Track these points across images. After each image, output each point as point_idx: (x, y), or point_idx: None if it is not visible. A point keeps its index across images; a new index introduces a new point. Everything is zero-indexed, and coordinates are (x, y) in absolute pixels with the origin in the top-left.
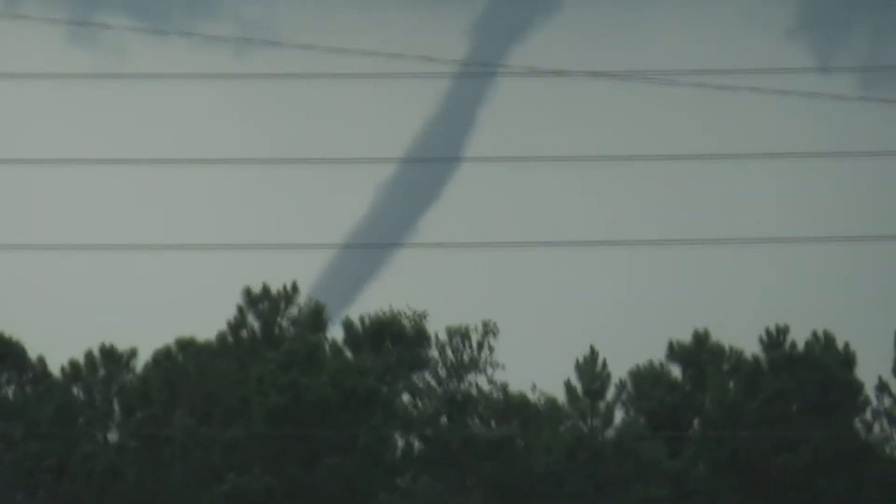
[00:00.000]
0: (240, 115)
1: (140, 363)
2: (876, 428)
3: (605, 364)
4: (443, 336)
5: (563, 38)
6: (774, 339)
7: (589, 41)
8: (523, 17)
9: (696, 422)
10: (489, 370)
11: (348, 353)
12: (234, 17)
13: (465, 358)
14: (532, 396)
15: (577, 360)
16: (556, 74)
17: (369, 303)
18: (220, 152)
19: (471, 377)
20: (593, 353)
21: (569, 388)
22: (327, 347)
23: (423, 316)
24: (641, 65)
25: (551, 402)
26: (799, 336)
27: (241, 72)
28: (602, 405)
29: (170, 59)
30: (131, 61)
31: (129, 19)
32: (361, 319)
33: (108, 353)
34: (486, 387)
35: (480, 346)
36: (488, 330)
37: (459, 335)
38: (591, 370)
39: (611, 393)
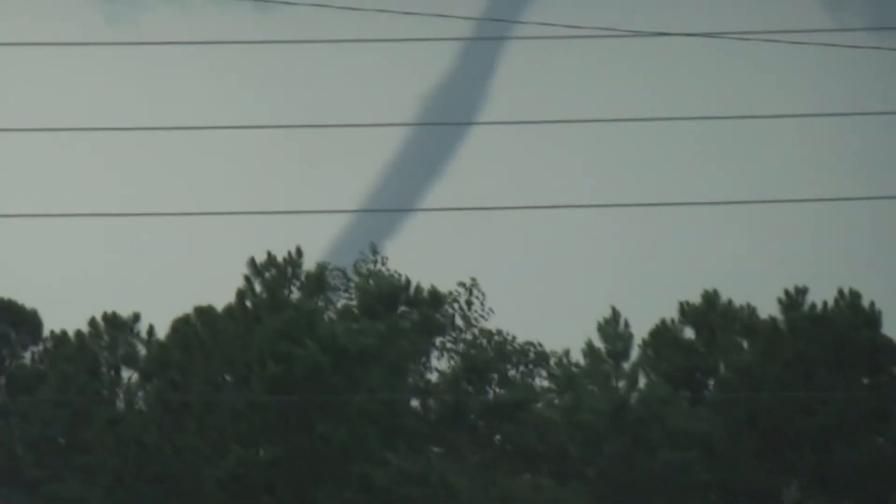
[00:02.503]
0: (252, 79)
1: (143, 329)
2: None
3: (627, 325)
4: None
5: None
6: (794, 300)
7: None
8: None
9: (711, 384)
10: (479, 323)
11: (361, 318)
12: None
13: (464, 318)
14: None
15: (599, 322)
16: (570, 28)
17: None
18: (229, 117)
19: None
20: (615, 314)
21: (591, 348)
22: (331, 311)
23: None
24: (653, 22)
25: (589, 362)
26: (819, 296)
27: (256, 33)
28: (626, 367)
29: (183, 14)
30: (143, 16)
31: None
32: (374, 283)
33: (112, 320)
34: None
35: (469, 304)
36: (469, 288)
37: (438, 298)
38: (613, 331)
39: (635, 354)
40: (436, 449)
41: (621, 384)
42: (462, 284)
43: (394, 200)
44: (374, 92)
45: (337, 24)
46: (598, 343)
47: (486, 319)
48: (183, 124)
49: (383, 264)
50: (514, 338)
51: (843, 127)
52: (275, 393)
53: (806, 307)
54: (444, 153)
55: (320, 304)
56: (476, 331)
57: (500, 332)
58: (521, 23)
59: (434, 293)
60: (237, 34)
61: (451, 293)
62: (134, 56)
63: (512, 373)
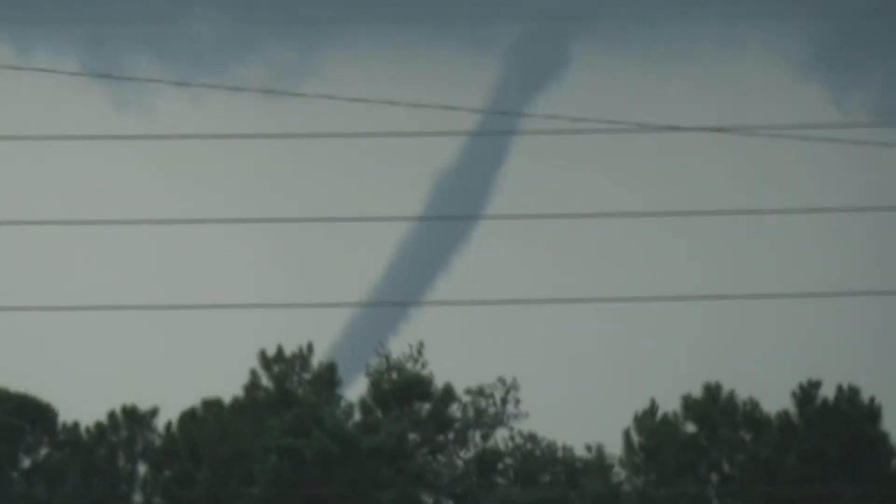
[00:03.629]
0: (256, 172)
1: (161, 422)
2: None
3: (665, 420)
4: (465, 396)
5: (580, 92)
6: (807, 394)
7: (605, 94)
8: (542, 72)
9: (714, 477)
10: (513, 425)
11: (377, 412)
12: (265, 61)
13: (490, 414)
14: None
15: (636, 413)
16: (578, 121)
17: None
18: (237, 210)
19: (498, 433)
20: (653, 407)
21: (627, 440)
22: (343, 405)
23: (420, 348)
24: (656, 115)
25: (598, 457)
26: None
27: (265, 122)
28: (658, 462)
29: (192, 101)
30: (152, 102)
31: (151, 59)
32: (388, 377)
33: (131, 414)
34: (515, 442)
35: (504, 401)
36: (508, 387)
37: (482, 394)
38: (650, 424)
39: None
40: None
41: (650, 477)
42: (501, 381)
43: (400, 293)
44: (382, 183)
45: (344, 115)
46: (634, 435)
47: (519, 418)
48: (191, 215)
49: (422, 363)
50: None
51: (849, 222)
52: (281, 487)
53: (819, 401)
54: (450, 246)
55: (334, 396)
56: (508, 430)
57: (529, 435)
58: (528, 115)
59: (448, 389)
60: (246, 123)
61: (482, 388)
62: (143, 144)
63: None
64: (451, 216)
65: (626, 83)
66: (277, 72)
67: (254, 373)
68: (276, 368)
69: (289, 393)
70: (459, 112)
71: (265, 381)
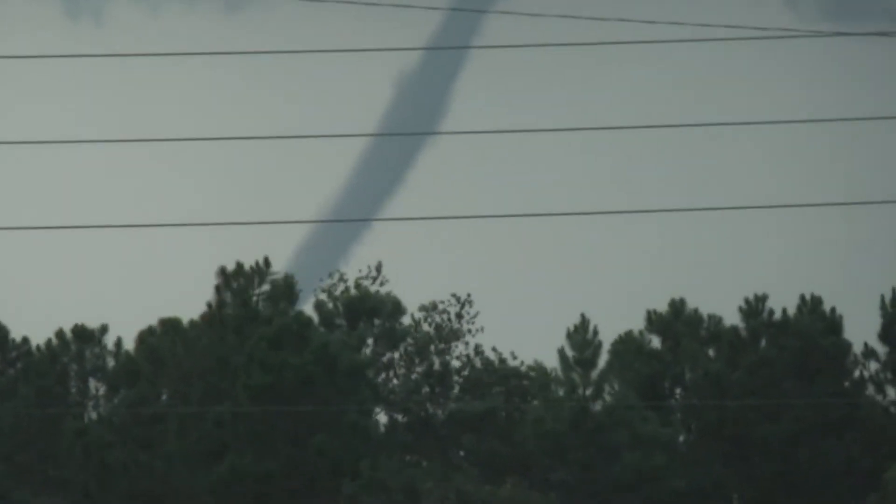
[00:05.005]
0: (212, 89)
1: (111, 341)
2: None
3: (596, 332)
4: (418, 312)
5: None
6: (754, 308)
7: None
8: None
9: (678, 391)
10: (469, 339)
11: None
12: None
13: (444, 330)
14: (515, 364)
15: (569, 329)
16: (534, 15)
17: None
18: (196, 128)
19: (452, 349)
20: (584, 322)
21: (562, 356)
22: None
23: (378, 269)
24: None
25: (541, 371)
26: (785, 301)
27: (223, 31)
28: (594, 374)
29: (147, 8)
30: (105, 9)
31: None
32: (333, 297)
33: (80, 332)
34: (468, 358)
35: (459, 317)
36: (462, 302)
37: (436, 310)
38: (582, 339)
39: (603, 361)
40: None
41: (588, 392)
42: (455, 297)
43: (356, 210)
44: (338, 99)
45: (304, 25)
46: (568, 351)
47: (473, 334)
48: (145, 133)
49: (380, 281)
50: (481, 352)
51: (807, 132)
52: (263, 402)
53: (766, 314)
54: (405, 162)
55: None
56: (462, 343)
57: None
58: (488, 12)
59: (396, 304)
60: (202, 31)
61: (435, 304)
62: (95, 60)
63: (482, 384)
64: (407, 132)
65: None
66: None
67: (217, 289)
68: (235, 284)
69: (250, 308)
70: (418, 17)
71: (228, 297)
